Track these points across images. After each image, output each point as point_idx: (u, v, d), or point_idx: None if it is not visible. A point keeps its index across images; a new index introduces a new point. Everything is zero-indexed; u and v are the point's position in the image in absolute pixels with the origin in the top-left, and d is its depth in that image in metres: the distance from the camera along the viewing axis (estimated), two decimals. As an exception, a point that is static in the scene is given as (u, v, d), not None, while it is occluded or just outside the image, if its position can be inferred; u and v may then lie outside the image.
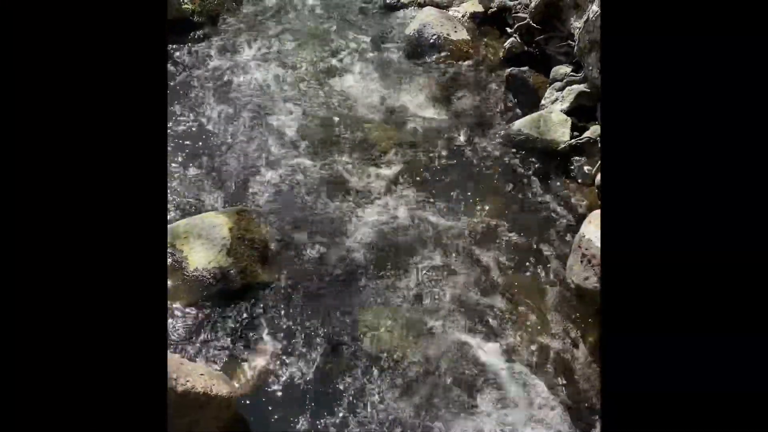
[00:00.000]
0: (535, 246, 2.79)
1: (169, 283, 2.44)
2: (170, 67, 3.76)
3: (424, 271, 2.69)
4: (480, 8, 4.29)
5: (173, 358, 1.95)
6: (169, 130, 3.31)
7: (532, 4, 3.80)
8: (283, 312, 2.47)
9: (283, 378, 2.25)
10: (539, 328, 2.47)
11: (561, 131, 3.22)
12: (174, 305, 2.42)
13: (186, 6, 4.02)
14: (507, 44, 3.91)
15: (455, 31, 4.03)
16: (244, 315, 2.43)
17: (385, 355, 2.36)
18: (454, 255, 2.76)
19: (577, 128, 3.26)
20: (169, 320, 2.33)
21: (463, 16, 4.27)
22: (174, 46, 3.90)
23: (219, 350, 2.30)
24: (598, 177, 2.98)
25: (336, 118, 3.51)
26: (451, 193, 3.07)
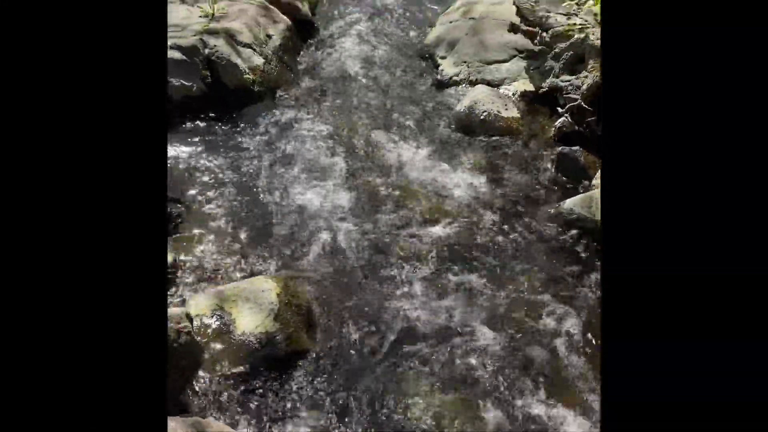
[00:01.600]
0: (590, 325, 2.72)
1: (216, 345, 2.46)
2: (227, 135, 3.92)
3: (468, 351, 2.64)
4: (531, 87, 4.37)
5: (216, 423, 1.93)
6: (222, 195, 3.42)
7: (584, 86, 3.86)
8: (326, 384, 2.44)
9: (324, 452, 2.20)
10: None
11: (613, 212, 3.18)
12: (220, 368, 2.42)
13: (247, 76, 4.21)
14: (558, 123, 3.95)
15: (506, 109, 4.10)
16: (289, 384, 2.41)
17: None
18: (500, 335, 2.70)
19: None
20: (214, 384, 2.32)
21: (513, 95, 4.35)
22: (234, 114, 4.08)
23: (261, 417, 2.27)
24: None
25: (385, 189, 3.56)
26: (498, 269, 3.04)
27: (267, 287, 2.69)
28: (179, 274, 2.91)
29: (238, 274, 2.95)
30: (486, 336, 2.69)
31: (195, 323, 2.50)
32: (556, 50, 4.24)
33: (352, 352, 2.59)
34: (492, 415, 2.37)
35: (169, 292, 2.82)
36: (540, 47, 4.42)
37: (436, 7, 5.83)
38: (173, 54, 4.06)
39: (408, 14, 5.76)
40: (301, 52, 4.99)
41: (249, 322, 2.54)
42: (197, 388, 2.32)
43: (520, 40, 4.58)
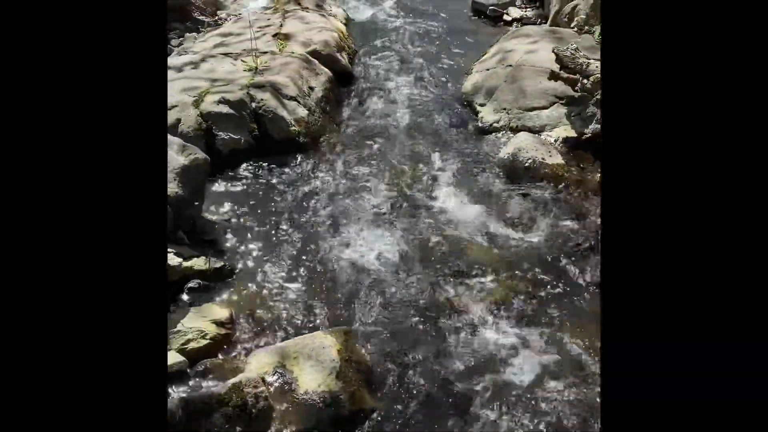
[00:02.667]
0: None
1: (281, 405, 2.44)
2: (274, 187, 3.98)
3: (530, 407, 2.59)
4: (573, 133, 4.38)
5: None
6: (271, 247, 3.45)
7: (630, 133, 3.86)
8: (393, 443, 2.41)
9: None
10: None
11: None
12: (272, 423, 2.39)
13: (293, 128, 4.29)
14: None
15: (550, 156, 4.11)
16: (355, 445, 2.38)
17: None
18: (564, 384, 2.65)
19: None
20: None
21: (555, 141, 4.37)
22: (281, 166, 4.14)
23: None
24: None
25: (433, 238, 3.56)
26: (556, 321, 3.01)
27: (327, 344, 2.68)
28: (236, 329, 2.92)
29: (293, 330, 2.95)
30: (551, 389, 2.64)
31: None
32: (598, 96, 4.26)
33: (416, 410, 2.56)
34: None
35: (227, 349, 2.83)
36: (581, 93, 4.45)
37: (467, 55, 5.93)
38: (222, 108, 4.16)
39: (442, 62, 5.87)
40: (342, 103, 5.09)
41: (311, 381, 2.53)
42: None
43: (559, 87, 4.62)
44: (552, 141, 4.37)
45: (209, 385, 2.46)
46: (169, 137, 3.43)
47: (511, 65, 5.09)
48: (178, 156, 3.30)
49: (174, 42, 5.77)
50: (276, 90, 4.44)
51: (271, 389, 2.49)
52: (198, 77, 4.61)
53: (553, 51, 4.61)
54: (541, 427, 2.50)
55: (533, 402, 2.60)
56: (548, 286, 3.22)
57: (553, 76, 4.53)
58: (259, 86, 4.42)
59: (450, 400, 2.63)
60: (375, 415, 2.52)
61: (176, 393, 2.54)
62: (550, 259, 3.38)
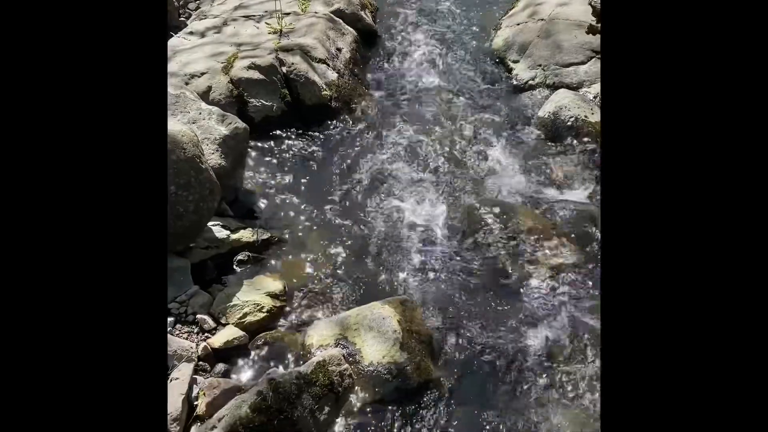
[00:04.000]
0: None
1: (346, 378, 2.41)
2: (312, 154, 3.88)
3: (595, 377, 2.56)
4: (613, 89, 4.25)
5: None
6: (316, 217, 3.39)
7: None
8: (463, 414, 2.39)
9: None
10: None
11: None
12: (356, 401, 2.36)
13: (326, 92, 4.17)
14: (649, 126, 3.83)
15: (592, 113, 4.00)
16: (427, 416, 2.36)
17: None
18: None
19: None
20: (352, 420, 2.28)
21: (595, 98, 4.24)
22: (316, 132, 4.04)
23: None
24: None
25: (478, 204, 3.48)
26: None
27: (386, 314, 2.64)
28: (290, 300, 2.88)
29: (347, 300, 2.91)
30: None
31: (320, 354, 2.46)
32: (640, 50, 4.11)
33: (481, 380, 2.53)
34: None
35: (284, 319, 2.80)
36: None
37: (493, 9, 5.73)
38: (252, 74, 4.04)
39: (468, 17, 5.68)
40: (369, 63, 4.94)
41: (375, 353, 2.50)
42: (342, 424, 2.28)
43: (596, 41, 4.46)
44: (591, 97, 4.24)
45: (291, 364, 2.45)
46: (208, 107, 3.33)
47: (543, 19, 4.92)
48: (218, 126, 3.20)
49: (191, 5, 5.59)
50: (305, 53, 4.30)
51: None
52: (222, 42, 4.47)
53: (589, 3, 4.44)
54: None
55: (592, 368, 2.57)
56: (598, 248, 3.16)
57: (591, 29, 4.37)
58: (288, 50, 4.27)
59: (511, 368, 2.60)
60: (441, 385, 2.49)
61: (255, 371, 2.53)
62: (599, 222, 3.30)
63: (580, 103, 4.05)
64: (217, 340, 2.59)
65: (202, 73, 4.03)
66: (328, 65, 4.37)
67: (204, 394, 2.22)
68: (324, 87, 4.21)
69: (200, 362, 2.50)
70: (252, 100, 4.00)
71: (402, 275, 3.04)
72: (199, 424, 2.03)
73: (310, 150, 3.90)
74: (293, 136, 3.99)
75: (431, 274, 3.04)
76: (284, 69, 4.14)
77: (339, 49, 4.63)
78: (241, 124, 3.31)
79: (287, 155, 3.85)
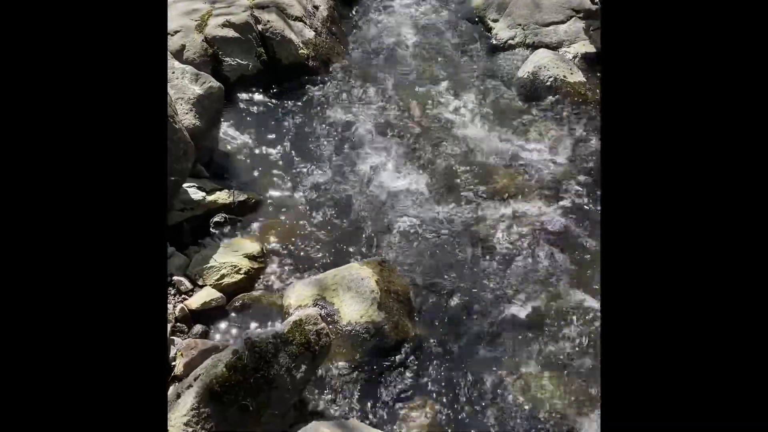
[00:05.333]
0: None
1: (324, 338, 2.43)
2: (289, 114, 3.83)
3: (566, 337, 2.61)
4: (592, 48, 4.23)
5: (360, 424, 1.92)
6: (293, 178, 3.36)
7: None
8: (441, 370, 2.43)
9: (449, 441, 2.20)
10: None
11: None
12: (335, 360, 2.39)
13: (303, 51, 4.09)
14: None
15: (571, 73, 3.98)
16: (404, 372, 2.40)
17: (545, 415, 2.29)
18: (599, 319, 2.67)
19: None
20: (334, 378, 2.31)
21: (574, 57, 4.22)
22: (293, 92, 3.97)
23: (390, 409, 2.27)
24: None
25: (456, 165, 3.48)
26: (591, 246, 3.00)
27: (364, 275, 2.65)
28: (268, 262, 2.88)
29: (325, 261, 2.91)
30: (587, 311, 2.66)
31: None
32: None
33: (457, 337, 2.57)
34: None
35: (262, 281, 2.80)
36: (599, 6, 4.27)
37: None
38: (227, 32, 3.93)
39: (448, -26, 5.56)
40: (347, 21, 4.84)
41: (353, 312, 2.52)
42: (320, 383, 2.31)
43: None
44: (571, 57, 4.22)
45: (267, 323, 2.46)
46: (182, 65, 3.25)
47: (523, -23, 4.83)
48: (192, 85, 3.13)
49: (162, -40, 5.39)
50: (281, 10, 4.19)
51: (315, 322, 2.47)
52: (196, -2, 4.33)
53: (570, -40, 4.37)
54: (577, 349, 2.53)
55: (575, 332, 2.62)
56: (577, 207, 3.19)
57: (572, -13, 4.32)
58: (263, 7, 4.16)
59: (488, 325, 2.64)
60: (419, 343, 2.53)
61: (233, 332, 2.54)
62: (582, 180, 3.33)
63: (559, 63, 4.02)
64: (195, 301, 2.59)
65: (176, 32, 3.91)
66: (305, 23, 4.28)
67: (182, 354, 2.23)
68: (301, 45, 4.12)
69: (177, 323, 2.50)
70: (227, 59, 3.91)
71: (380, 236, 3.05)
72: (176, 384, 2.04)
73: (287, 110, 3.84)
74: (270, 96, 3.92)
75: (409, 235, 3.05)
76: (260, 27, 4.04)
77: (316, 7, 4.52)
78: (215, 84, 3.24)
79: (264, 115, 3.79)
